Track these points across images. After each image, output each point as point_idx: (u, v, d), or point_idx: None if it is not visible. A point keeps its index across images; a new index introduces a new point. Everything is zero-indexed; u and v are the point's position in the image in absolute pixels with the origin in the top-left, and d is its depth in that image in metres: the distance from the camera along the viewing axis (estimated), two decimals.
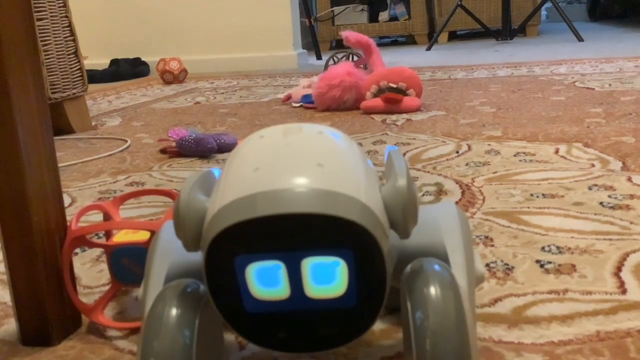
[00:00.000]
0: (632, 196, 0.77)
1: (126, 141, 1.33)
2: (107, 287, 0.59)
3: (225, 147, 1.17)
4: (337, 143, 0.37)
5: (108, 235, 0.61)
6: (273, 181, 0.33)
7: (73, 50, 1.46)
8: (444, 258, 0.40)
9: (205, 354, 0.37)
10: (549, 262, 0.60)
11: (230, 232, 0.32)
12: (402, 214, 0.35)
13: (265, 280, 0.34)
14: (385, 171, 0.39)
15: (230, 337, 0.48)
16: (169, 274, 0.41)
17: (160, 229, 0.44)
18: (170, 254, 0.41)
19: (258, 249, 0.33)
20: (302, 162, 0.35)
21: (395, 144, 1.15)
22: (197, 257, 0.38)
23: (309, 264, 0.33)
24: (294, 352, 0.36)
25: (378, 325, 0.50)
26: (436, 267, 0.36)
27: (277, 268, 0.34)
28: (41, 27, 1.35)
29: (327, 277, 0.34)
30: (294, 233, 0.33)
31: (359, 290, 0.34)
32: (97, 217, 0.77)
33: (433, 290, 0.34)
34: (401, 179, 0.35)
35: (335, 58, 2.03)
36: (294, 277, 0.34)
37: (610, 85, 1.68)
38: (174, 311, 0.35)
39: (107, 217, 0.59)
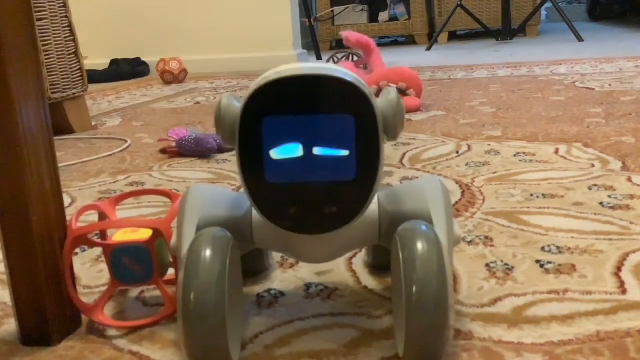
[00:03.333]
0: (632, 196, 0.77)
1: (126, 141, 1.33)
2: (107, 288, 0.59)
3: (225, 147, 1.17)
4: (347, 69, 0.45)
5: (103, 236, 0.61)
6: (293, 69, 0.42)
7: (73, 50, 1.46)
8: (429, 221, 0.47)
9: (231, 291, 0.43)
10: (549, 262, 0.60)
11: (261, 92, 0.41)
12: (393, 120, 0.43)
13: (284, 146, 0.42)
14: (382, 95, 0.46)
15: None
16: (199, 224, 0.48)
17: (188, 191, 0.51)
18: (199, 209, 0.49)
19: (281, 111, 0.42)
20: (317, 66, 0.43)
21: (395, 144, 1.15)
22: (222, 211, 0.49)
23: (320, 130, 0.42)
24: (302, 232, 0.43)
25: (378, 326, 0.50)
26: (423, 227, 0.44)
27: (294, 131, 0.42)
28: (41, 27, 1.35)
29: (333, 145, 0.42)
30: (309, 95, 0.41)
31: (359, 158, 0.42)
32: (95, 217, 0.77)
33: (420, 245, 0.42)
34: (392, 94, 0.43)
35: (335, 58, 2.03)
36: (308, 143, 0.42)
37: (610, 85, 1.68)
38: (209, 250, 0.43)
39: (103, 217, 0.59)
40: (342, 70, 0.42)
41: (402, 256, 0.42)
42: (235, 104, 0.43)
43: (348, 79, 0.42)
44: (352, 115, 0.42)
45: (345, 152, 0.42)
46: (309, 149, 0.42)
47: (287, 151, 0.42)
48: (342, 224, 0.44)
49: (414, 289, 0.40)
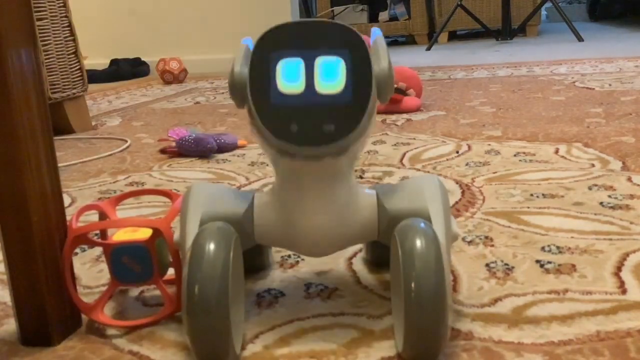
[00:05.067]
0: (632, 196, 0.77)
1: (126, 141, 1.33)
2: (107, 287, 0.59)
3: (225, 147, 1.17)
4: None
5: (103, 236, 0.61)
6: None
7: (73, 50, 1.46)
8: (427, 219, 0.48)
9: (234, 285, 0.44)
10: (549, 262, 0.60)
11: (268, 35, 0.46)
12: (384, 84, 0.46)
13: (289, 75, 0.45)
14: (373, 53, 0.48)
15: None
16: (202, 219, 0.49)
17: (190, 188, 0.52)
18: (202, 205, 0.50)
19: (286, 47, 0.46)
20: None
21: (395, 144, 1.15)
22: (224, 207, 0.50)
23: (320, 62, 0.45)
24: (303, 145, 0.45)
25: (378, 325, 0.50)
26: (422, 225, 0.46)
27: (297, 64, 0.45)
28: (41, 27, 1.35)
29: (331, 74, 0.45)
30: (311, 36, 0.46)
31: (353, 86, 0.45)
32: (94, 217, 0.77)
33: (419, 242, 0.44)
34: (384, 61, 0.46)
35: None
36: (309, 73, 0.45)
37: (610, 85, 1.68)
38: (212, 244, 0.44)
39: (103, 217, 0.59)
40: (349, 28, 0.48)
41: (401, 253, 0.43)
42: (245, 70, 0.46)
43: (344, 24, 0.47)
44: (348, 50, 0.46)
45: (341, 86, 0.45)
46: (310, 83, 0.45)
47: (291, 82, 0.45)
48: (338, 138, 0.45)
49: (413, 285, 0.42)
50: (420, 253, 0.43)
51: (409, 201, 0.50)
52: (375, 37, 0.50)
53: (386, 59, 0.47)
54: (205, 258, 0.43)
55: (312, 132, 0.45)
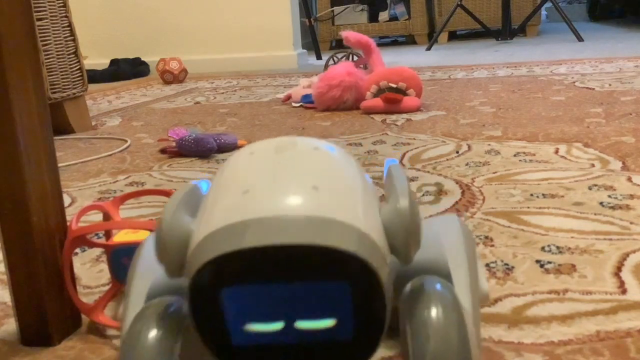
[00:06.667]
0: (632, 196, 0.77)
1: (126, 141, 1.33)
2: (107, 287, 0.59)
3: (225, 147, 1.17)
4: (334, 161, 0.35)
5: (108, 235, 0.62)
6: (263, 207, 0.30)
7: (73, 50, 1.46)
8: (446, 276, 0.37)
9: None
10: (549, 262, 0.60)
11: (216, 263, 0.30)
12: (404, 239, 0.32)
13: (255, 313, 0.31)
14: (385, 188, 0.37)
15: None
16: (151, 290, 0.38)
17: (144, 242, 0.41)
18: (154, 269, 0.38)
19: (246, 281, 0.30)
20: (295, 185, 0.32)
21: (395, 144, 1.15)
22: None
23: (302, 302, 0.31)
24: None
25: None
26: (438, 286, 0.33)
27: (267, 302, 0.31)
28: (41, 27, 1.35)
29: (321, 311, 0.31)
30: (285, 264, 0.30)
31: (356, 324, 0.31)
32: (97, 217, 0.77)
33: (434, 312, 0.32)
34: (403, 200, 0.32)
35: (335, 58, 2.03)
36: (286, 312, 0.31)
37: (610, 85, 1.68)
38: (152, 334, 0.33)
39: (106, 217, 0.59)
40: (339, 224, 0.30)
41: (409, 329, 0.32)
42: (183, 222, 0.32)
43: (345, 246, 0.29)
44: (347, 284, 0.30)
45: (337, 323, 0.31)
46: (289, 322, 0.31)
47: (259, 325, 0.32)
48: None
49: None
50: (436, 330, 0.31)
51: (422, 252, 0.37)
52: (389, 164, 0.38)
53: (406, 195, 0.33)
54: (139, 357, 0.32)
55: None
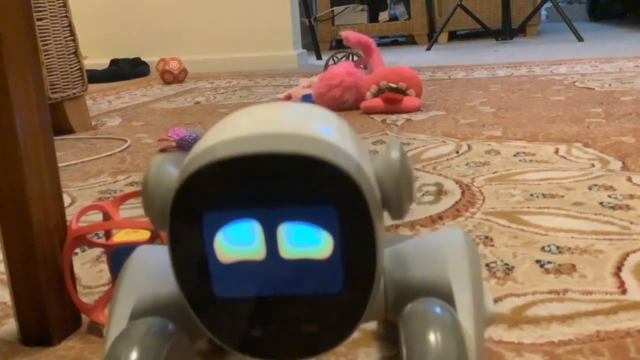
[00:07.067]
0: (632, 196, 0.77)
1: (126, 141, 1.33)
2: (107, 287, 0.59)
3: None
4: (328, 115, 0.33)
5: (108, 235, 0.61)
6: (249, 128, 0.29)
7: (73, 50, 1.46)
8: (448, 296, 0.35)
9: None
10: (549, 262, 0.60)
11: (198, 178, 0.28)
12: (395, 190, 0.30)
13: (237, 239, 0.29)
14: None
15: None
16: (135, 309, 0.36)
17: (131, 256, 0.39)
18: (139, 286, 0.36)
19: (229, 204, 0.29)
20: (284, 119, 0.31)
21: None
22: (167, 291, 0.35)
23: (287, 230, 0.29)
24: (272, 358, 0.31)
25: (379, 327, 0.50)
26: (437, 309, 0.32)
27: (251, 229, 0.29)
28: (41, 27, 1.35)
29: (307, 240, 0.30)
30: (271, 181, 0.28)
31: (344, 264, 0.30)
32: (97, 217, 0.77)
33: (433, 337, 0.30)
34: (394, 152, 0.31)
35: (335, 58, 2.03)
36: (270, 242, 0.29)
37: (610, 85, 1.68)
38: (133, 356, 0.31)
39: (107, 217, 0.59)
40: (327, 142, 0.29)
41: (406, 354, 0.31)
42: (170, 172, 0.31)
43: (327, 156, 0.28)
44: (333, 205, 0.29)
45: (324, 251, 0.30)
46: (272, 248, 0.29)
47: (241, 250, 0.30)
48: (326, 347, 0.31)
49: None
50: (435, 354, 0.30)
51: (423, 269, 0.36)
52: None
53: (397, 149, 0.31)
54: None
55: (284, 338, 0.31)
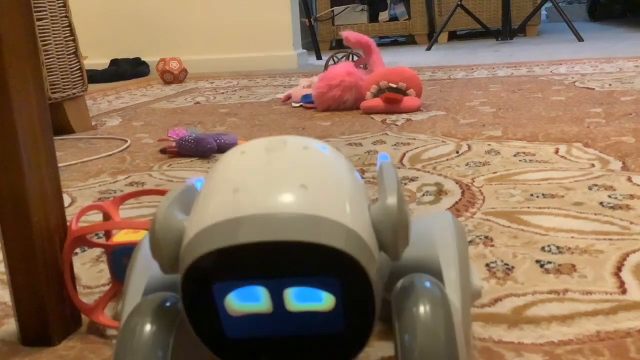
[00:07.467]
0: (632, 196, 0.77)
1: (126, 141, 1.33)
2: (107, 287, 0.59)
3: (225, 147, 1.17)
4: (323, 160, 0.35)
5: (108, 235, 0.61)
6: (253, 205, 0.32)
7: (73, 50, 1.46)
8: (437, 273, 0.38)
9: None
10: (549, 262, 0.60)
11: (207, 259, 0.31)
12: (392, 236, 0.33)
13: (246, 298, 0.32)
14: (377, 185, 0.37)
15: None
16: (148, 286, 0.39)
17: (143, 239, 0.42)
18: (152, 265, 0.38)
19: (237, 277, 0.32)
20: (284, 183, 0.33)
21: (395, 144, 1.15)
22: None
23: (292, 291, 0.32)
24: None
25: (378, 326, 0.50)
26: (427, 284, 0.34)
27: (258, 291, 0.32)
28: (41, 27, 1.35)
29: (311, 298, 0.32)
30: (275, 260, 0.31)
31: (346, 317, 0.33)
32: (97, 217, 0.77)
33: (422, 309, 0.33)
34: (391, 197, 0.33)
35: (335, 58, 2.03)
36: (277, 300, 0.32)
37: (610, 85, 1.68)
38: (148, 327, 0.34)
39: (106, 217, 0.59)
40: (327, 221, 0.31)
41: (398, 326, 0.33)
42: (177, 219, 0.33)
43: (333, 243, 0.30)
44: (335, 277, 0.32)
45: (327, 305, 0.33)
46: (278, 305, 0.32)
47: (250, 306, 0.33)
48: None
49: None
50: (423, 326, 0.32)
51: (413, 249, 0.38)
52: (381, 162, 0.38)
53: (394, 192, 0.34)
54: (134, 350, 0.33)
55: None
